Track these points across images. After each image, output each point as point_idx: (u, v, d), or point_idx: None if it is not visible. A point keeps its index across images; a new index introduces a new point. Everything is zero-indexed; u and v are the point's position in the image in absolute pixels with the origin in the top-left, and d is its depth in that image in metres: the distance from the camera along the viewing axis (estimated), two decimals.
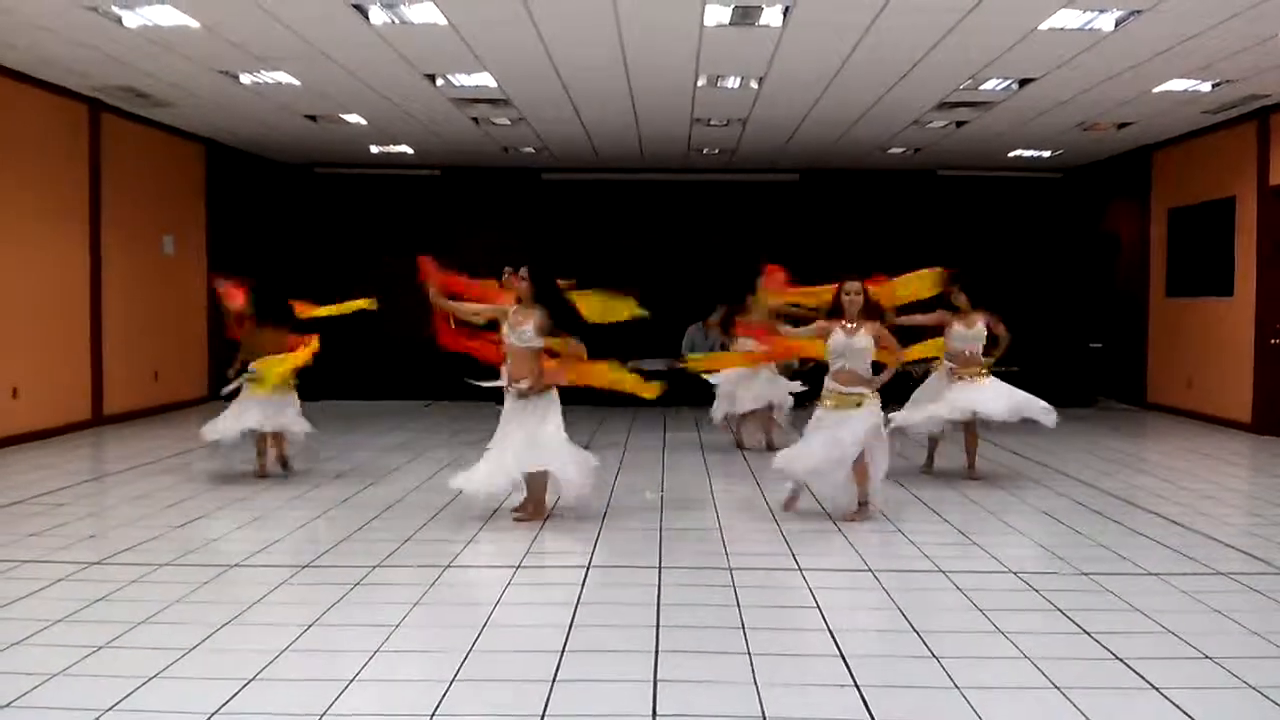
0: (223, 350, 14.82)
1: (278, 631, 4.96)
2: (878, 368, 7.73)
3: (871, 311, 7.68)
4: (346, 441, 11.39)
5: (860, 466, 7.55)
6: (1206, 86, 11.15)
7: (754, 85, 11.37)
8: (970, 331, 9.22)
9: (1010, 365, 9.72)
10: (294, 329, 9.15)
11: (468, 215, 17.59)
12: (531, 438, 7.33)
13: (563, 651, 4.73)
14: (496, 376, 7.76)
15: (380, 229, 17.57)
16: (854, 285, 7.61)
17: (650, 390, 7.91)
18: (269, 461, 9.26)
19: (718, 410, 11.13)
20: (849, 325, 7.57)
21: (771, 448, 10.99)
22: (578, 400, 14.46)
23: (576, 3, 8.55)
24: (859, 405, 7.48)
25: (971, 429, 9.24)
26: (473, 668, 4.54)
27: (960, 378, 9.12)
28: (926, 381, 9.57)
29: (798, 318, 9.16)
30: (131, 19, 8.93)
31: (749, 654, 4.70)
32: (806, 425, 7.75)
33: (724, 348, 11.75)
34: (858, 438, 7.43)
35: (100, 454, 10.83)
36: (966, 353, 9.20)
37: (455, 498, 7.86)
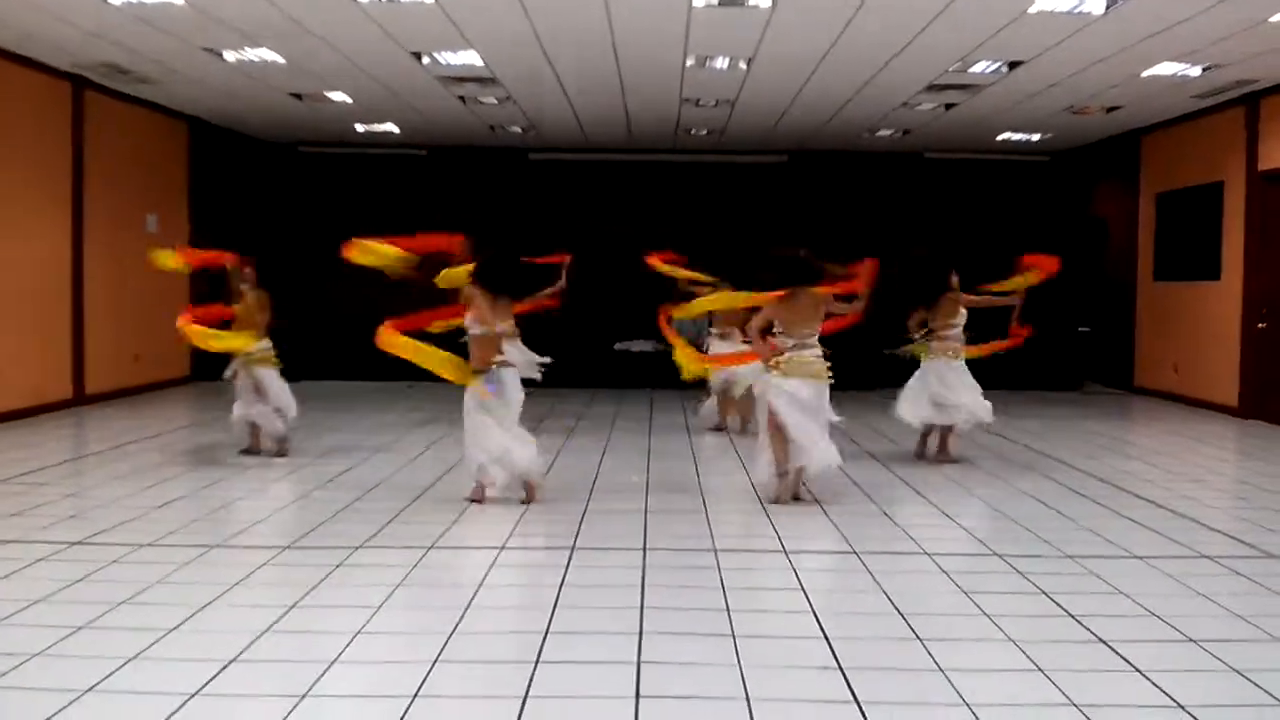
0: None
1: (260, 612, 4.93)
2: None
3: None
4: (329, 422, 11.35)
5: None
6: (1196, 71, 11.14)
7: (743, 66, 11.32)
8: (951, 319, 9.24)
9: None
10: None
11: (454, 195, 17.50)
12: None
13: (546, 633, 4.71)
14: None
15: (365, 208, 17.47)
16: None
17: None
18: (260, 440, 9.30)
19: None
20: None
21: (745, 430, 11.02)
22: (567, 383, 14.41)
23: None
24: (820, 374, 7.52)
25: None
26: (456, 649, 4.52)
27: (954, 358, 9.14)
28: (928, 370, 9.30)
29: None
30: None
31: (733, 636, 4.69)
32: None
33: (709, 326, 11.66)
34: (816, 405, 7.46)
35: (81, 434, 10.77)
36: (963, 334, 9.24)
37: (439, 478, 7.85)
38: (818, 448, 7.39)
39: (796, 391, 7.38)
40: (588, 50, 10.67)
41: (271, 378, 9.09)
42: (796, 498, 7.62)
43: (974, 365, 9.34)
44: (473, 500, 7.36)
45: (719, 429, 11.19)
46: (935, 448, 9.33)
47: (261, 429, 9.17)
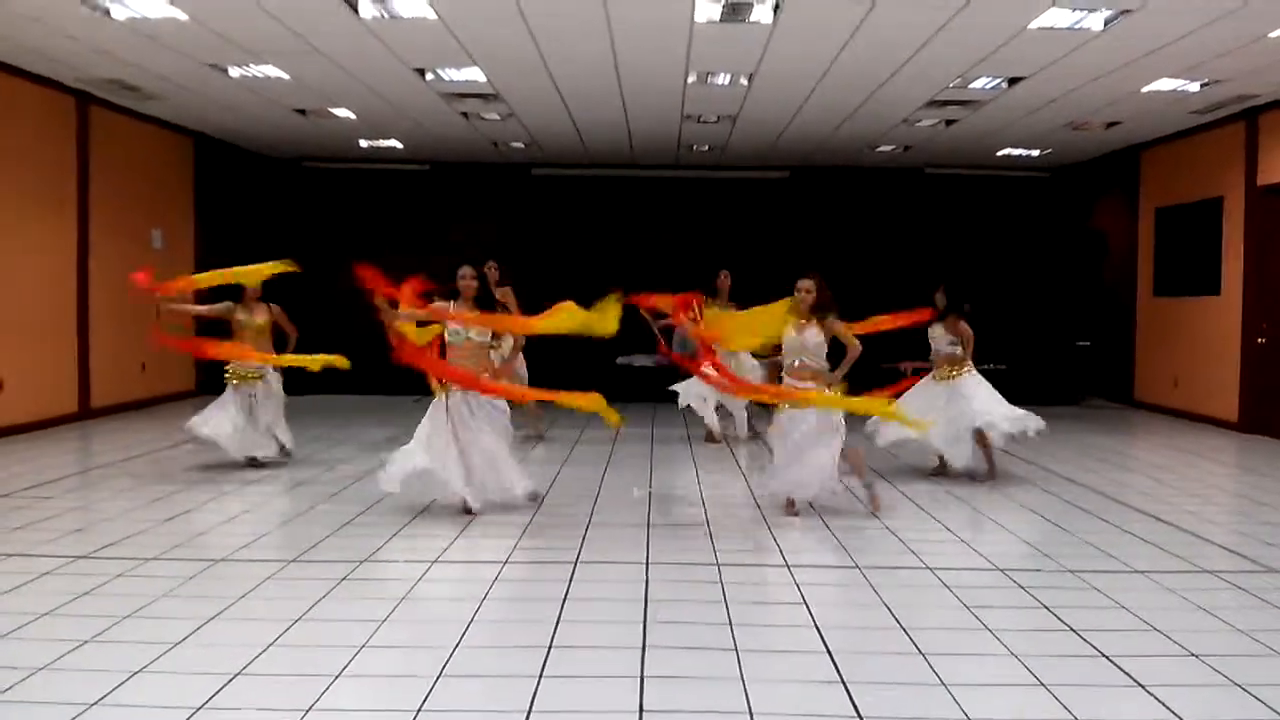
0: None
1: (264, 626, 4.95)
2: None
3: (824, 308, 7.65)
4: (334, 436, 11.37)
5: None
6: (1195, 86, 11.19)
7: (744, 82, 11.37)
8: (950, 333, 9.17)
9: (997, 364, 9.70)
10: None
11: (457, 210, 17.57)
12: (487, 449, 7.52)
13: (549, 647, 4.73)
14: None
15: (369, 224, 17.54)
16: (805, 283, 7.64)
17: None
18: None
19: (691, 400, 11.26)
20: (800, 321, 7.62)
21: (714, 439, 11.12)
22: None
23: None
24: (806, 401, 7.54)
25: (980, 436, 9.08)
26: (460, 663, 4.53)
27: (943, 379, 9.10)
28: (920, 387, 9.33)
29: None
30: (119, 11, 8.89)
31: (736, 650, 4.70)
32: (770, 433, 7.79)
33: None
34: (816, 431, 7.51)
35: (87, 447, 10.78)
36: (948, 353, 9.14)
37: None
38: (800, 476, 7.55)
39: (798, 416, 7.53)
40: (590, 66, 10.72)
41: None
42: (794, 513, 7.67)
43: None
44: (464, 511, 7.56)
45: (713, 440, 11.32)
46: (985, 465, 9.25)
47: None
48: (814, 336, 7.60)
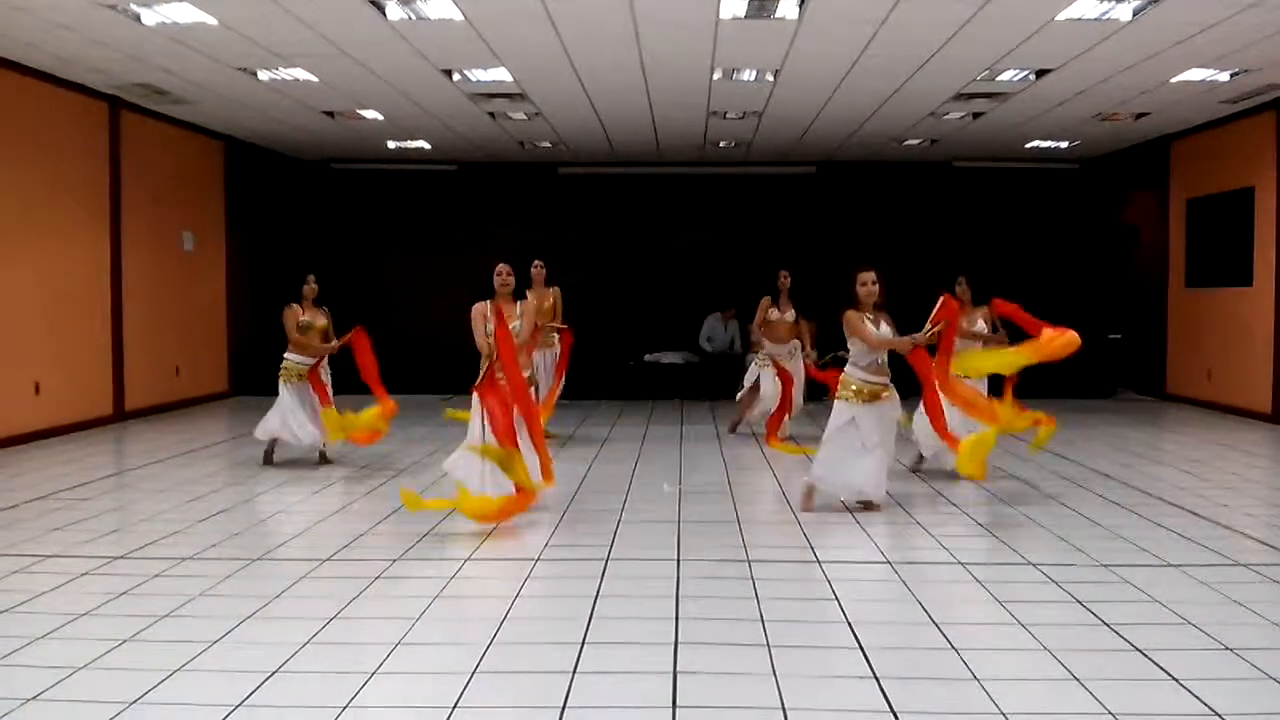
0: (243, 345, 14.92)
1: (300, 624, 5.00)
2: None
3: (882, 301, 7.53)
4: None
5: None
6: (1225, 76, 11.09)
7: (770, 78, 11.36)
8: (971, 328, 9.06)
9: None
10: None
11: (484, 210, 17.65)
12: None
13: (583, 644, 4.75)
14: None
15: (398, 224, 17.65)
16: (871, 274, 7.42)
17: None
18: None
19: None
20: (871, 316, 7.43)
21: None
22: (598, 394, 14.46)
23: None
24: (879, 398, 7.46)
25: None
26: (494, 660, 4.56)
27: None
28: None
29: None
30: (150, 16, 8.98)
31: (768, 646, 4.71)
32: (838, 427, 7.56)
33: (744, 339, 11.77)
34: (887, 433, 7.49)
35: (122, 449, 10.91)
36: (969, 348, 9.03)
37: None
38: (840, 471, 7.48)
39: (856, 414, 7.41)
40: (616, 64, 10.75)
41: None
42: (867, 507, 7.64)
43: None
44: None
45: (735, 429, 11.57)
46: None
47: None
48: (888, 330, 7.45)
